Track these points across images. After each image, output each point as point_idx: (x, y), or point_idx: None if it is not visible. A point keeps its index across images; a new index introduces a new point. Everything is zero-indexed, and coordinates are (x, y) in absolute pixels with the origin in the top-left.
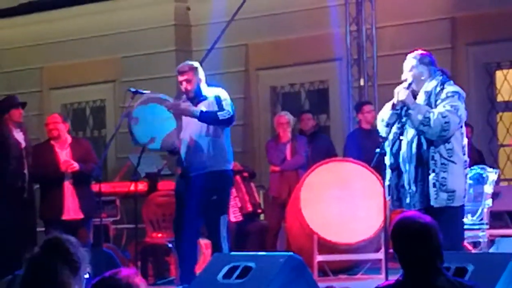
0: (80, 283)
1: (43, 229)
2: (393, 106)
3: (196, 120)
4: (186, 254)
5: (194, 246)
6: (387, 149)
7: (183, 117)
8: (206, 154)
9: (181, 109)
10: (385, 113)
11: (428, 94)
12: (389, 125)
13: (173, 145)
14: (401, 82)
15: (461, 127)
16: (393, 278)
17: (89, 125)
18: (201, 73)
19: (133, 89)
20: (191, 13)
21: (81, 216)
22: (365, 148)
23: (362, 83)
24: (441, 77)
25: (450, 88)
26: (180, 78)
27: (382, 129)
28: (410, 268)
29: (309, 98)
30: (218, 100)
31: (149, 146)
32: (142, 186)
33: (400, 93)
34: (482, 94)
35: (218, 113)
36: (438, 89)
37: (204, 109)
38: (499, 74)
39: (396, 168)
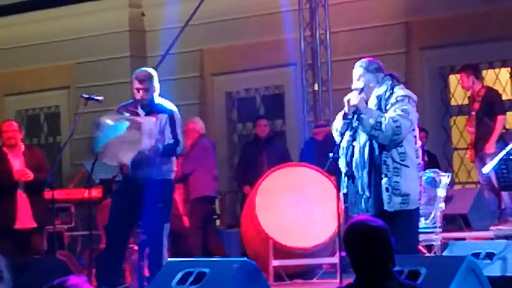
0: None
1: None
2: (345, 115)
3: (146, 128)
4: (119, 259)
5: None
6: (342, 157)
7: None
8: (154, 163)
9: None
10: (338, 122)
11: (379, 99)
12: (342, 135)
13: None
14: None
15: (414, 130)
16: (347, 281)
17: (43, 132)
18: (157, 82)
19: (86, 95)
20: (145, 18)
21: (34, 225)
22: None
23: (316, 88)
24: (390, 82)
25: (399, 92)
26: (138, 85)
27: (337, 138)
28: (362, 272)
29: (264, 103)
30: (172, 122)
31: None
32: (96, 193)
33: (352, 98)
34: (436, 98)
35: (177, 148)
36: (388, 93)
37: (152, 120)
38: (452, 78)
39: (351, 175)
